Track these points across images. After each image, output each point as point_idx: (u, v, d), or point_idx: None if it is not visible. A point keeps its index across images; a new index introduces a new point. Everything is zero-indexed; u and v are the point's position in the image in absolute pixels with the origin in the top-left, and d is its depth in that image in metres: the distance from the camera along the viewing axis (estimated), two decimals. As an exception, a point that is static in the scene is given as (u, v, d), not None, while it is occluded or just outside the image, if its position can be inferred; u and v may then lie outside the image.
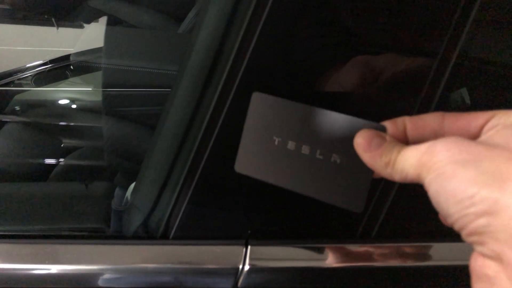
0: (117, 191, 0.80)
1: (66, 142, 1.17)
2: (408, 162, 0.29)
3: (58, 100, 1.29)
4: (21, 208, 0.71)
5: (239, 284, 0.51)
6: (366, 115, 0.35)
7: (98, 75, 1.08)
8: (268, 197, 0.52)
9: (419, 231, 0.55)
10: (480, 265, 0.25)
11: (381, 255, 0.53)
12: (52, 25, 1.43)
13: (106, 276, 0.51)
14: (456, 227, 0.26)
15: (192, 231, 0.53)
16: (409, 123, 0.32)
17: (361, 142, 0.33)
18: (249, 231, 0.53)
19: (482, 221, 0.24)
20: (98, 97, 1.12)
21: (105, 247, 0.53)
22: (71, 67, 1.32)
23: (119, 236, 0.62)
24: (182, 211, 0.52)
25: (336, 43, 0.49)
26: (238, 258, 0.51)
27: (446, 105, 0.48)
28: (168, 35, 1.33)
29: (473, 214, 0.24)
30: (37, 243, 0.53)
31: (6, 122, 1.14)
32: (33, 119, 1.17)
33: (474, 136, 0.30)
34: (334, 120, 0.36)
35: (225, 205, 0.52)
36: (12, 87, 1.28)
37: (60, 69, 1.32)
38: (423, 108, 0.47)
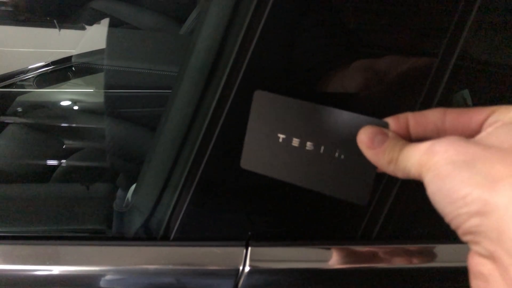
0: (119, 192, 0.80)
1: (68, 143, 1.17)
2: (410, 161, 0.30)
3: (60, 101, 1.29)
4: (22, 209, 0.71)
5: (240, 285, 0.51)
6: (369, 114, 0.35)
7: (100, 77, 1.08)
8: (269, 199, 0.52)
9: (420, 232, 0.54)
10: (476, 263, 0.26)
11: (382, 257, 0.53)
12: (54, 27, 1.43)
13: (107, 277, 0.51)
14: (452, 226, 0.27)
15: (192, 232, 0.53)
16: (412, 120, 0.33)
17: (364, 139, 0.33)
18: (249, 233, 0.53)
19: (474, 221, 0.25)
20: (100, 99, 1.12)
21: (105, 249, 0.53)
22: (73, 68, 1.32)
23: (119, 238, 0.62)
24: (182, 212, 0.52)
25: (338, 44, 0.49)
26: (239, 259, 0.51)
27: (448, 107, 0.48)
28: (170, 36, 1.34)
29: (466, 214, 0.25)
30: (38, 244, 0.53)
31: (8, 123, 1.14)
32: (35, 121, 1.18)
33: (475, 132, 0.30)
34: (337, 117, 0.36)
35: (225, 207, 0.52)
36: (14, 88, 1.28)
37: (62, 70, 1.33)
38: (424, 109, 0.47)
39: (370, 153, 0.33)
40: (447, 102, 0.47)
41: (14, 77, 1.29)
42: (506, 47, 0.51)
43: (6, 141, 1.09)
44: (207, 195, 0.52)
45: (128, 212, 0.62)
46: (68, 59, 1.31)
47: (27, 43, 1.46)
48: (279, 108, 0.38)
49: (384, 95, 0.47)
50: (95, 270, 0.52)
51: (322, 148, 0.37)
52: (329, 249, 0.53)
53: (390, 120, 0.33)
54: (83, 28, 1.45)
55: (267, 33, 0.44)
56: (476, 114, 0.30)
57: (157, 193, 0.54)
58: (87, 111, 1.24)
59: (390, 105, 0.49)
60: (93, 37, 1.34)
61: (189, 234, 0.53)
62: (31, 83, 1.30)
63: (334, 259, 0.52)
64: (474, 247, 0.26)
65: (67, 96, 1.29)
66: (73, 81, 1.34)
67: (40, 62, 1.32)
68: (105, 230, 0.68)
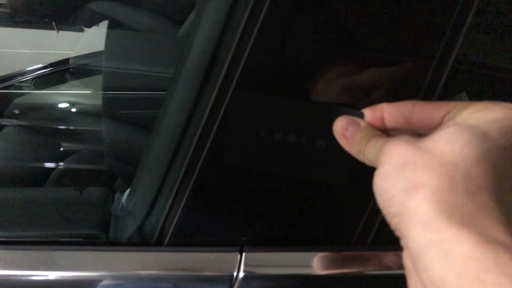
0: (117, 196, 0.79)
1: (66, 145, 1.17)
2: (371, 154, 0.31)
3: (58, 103, 1.28)
4: (15, 214, 0.70)
5: (234, 291, 0.51)
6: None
7: (98, 79, 1.08)
8: (263, 204, 0.52)
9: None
10: (404, 256, 0.30)
11: (378, 262, 0.53)
12: (53, 28, 1.43)
13: (101, 283, 0.51)
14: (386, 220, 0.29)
15: (186, 238, 0.53)
16: (386, 110, 0.34)
17: (338, 129, 0.35)
18: (244, 238, 0.52)
19: (395, 220, 0.27)
20: (98, 101, 1.12)
21: (99, 254, 0.53)
22: (71, 70, 1.32)
23: (113, 243, 0.62)
24: (177, 217, 0.51)
25: (336, 50, 0.48)
26: (233, 265, 0.51)
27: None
28: (169, 38, 1.34)
29: (391, 213, 0.27)
30: (31, 249, 0.53)
31: (5, 125, 1.14)
32: (32, 123, 1.17)
33: (437, 126, 0.31)
34: (316, 108, 0.38)
35: (220, 212, 0.52)
36: (12, 90, 1.28)
37: (60, 72, 1.32)
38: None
39: (343, 142, 0.35)
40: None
41: (11, 79, 1.28)
42: (504, 50, 0.51)
43: (3, 143, 1.09)
44: (202, 200, 0.51)
45: (123, 216, 0.61)
46: (66, 61, 1.30)
47: (25, 44, 1.46)
48: (258, 106, 0.40)
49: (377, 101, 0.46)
50: (88, 276, 0.51)
51: (304, 138, 0.39)
52: (324, 254, 0.52)
53: (367, 111, 0.35)
54: (81, 30, 1.45)
55: (262, 37, 0.44)
56: (437, 109, 0.31)
57: (151, 197, 0.54)
58: (85, 113, 1.24)
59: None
60: (91, 39, 1.34)
61: (183, 239, 0.52)
62: (29, 85, 1.30)
63: (329, 265, 0.52)
64: (401, 242, 0.28)
65: (65, 98, 1.29)
66: (71, 83, 1.33)
67: (38, 64, 1.31)
68: (98, 235, 0.68)
